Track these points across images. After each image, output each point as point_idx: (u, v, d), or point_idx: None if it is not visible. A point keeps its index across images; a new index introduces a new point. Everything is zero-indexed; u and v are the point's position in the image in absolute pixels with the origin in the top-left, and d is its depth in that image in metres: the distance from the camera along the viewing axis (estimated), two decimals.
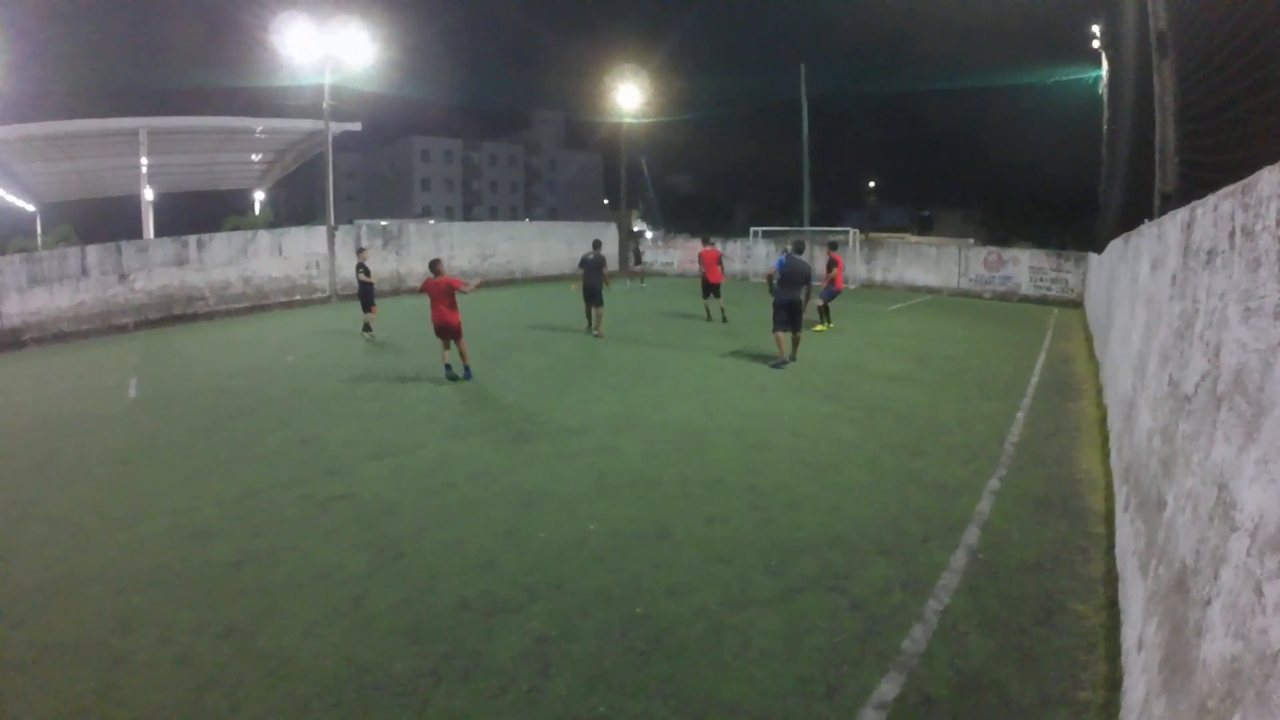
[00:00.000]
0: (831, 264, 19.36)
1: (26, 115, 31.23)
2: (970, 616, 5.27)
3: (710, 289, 20.90)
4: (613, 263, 38.65)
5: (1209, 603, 2.76)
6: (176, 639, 5.53)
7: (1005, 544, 6.47)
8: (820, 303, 18.93)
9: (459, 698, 4.69)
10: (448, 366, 13.93)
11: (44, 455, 10.29)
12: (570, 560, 6.49)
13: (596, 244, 19.24)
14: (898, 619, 5.29)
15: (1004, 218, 62.12)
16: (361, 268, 20.21)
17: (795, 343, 14.63)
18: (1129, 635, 4.37)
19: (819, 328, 18.55)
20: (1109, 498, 7.31)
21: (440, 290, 13.74)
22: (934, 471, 8.28)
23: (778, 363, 14.25)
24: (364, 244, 23.29)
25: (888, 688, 4.53)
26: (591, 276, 18.35)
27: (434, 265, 14.38)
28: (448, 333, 13.80)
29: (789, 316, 14.16)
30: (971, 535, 6.62)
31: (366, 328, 19.63)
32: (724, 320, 20.82)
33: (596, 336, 18.51)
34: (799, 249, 14.34)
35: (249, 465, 9.50)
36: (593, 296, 18.51)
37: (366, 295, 20.18)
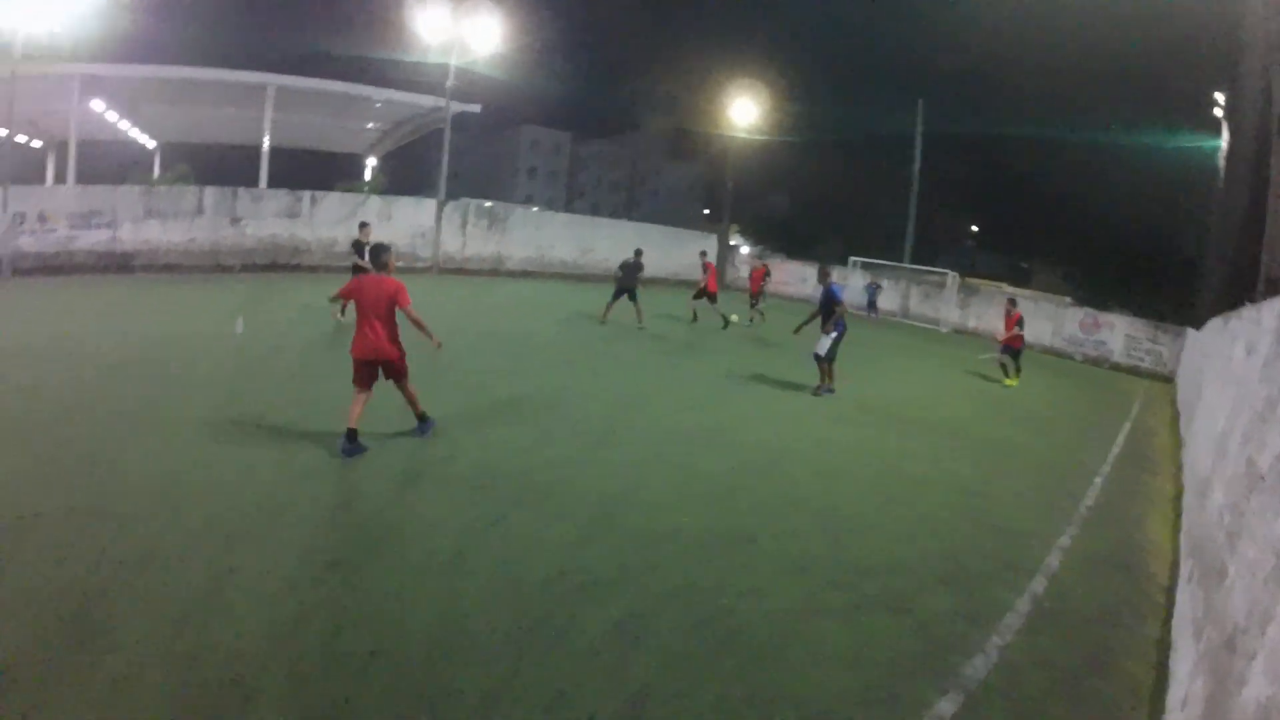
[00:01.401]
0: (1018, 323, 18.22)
1: (157, 59, 32.54)
2: (1028, 655, 5.40)
3: (708, 295, 22.77)
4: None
5: (1254, 657, 2.85)
6: (282, 563, 5.80)
7: (1068, 596, 6.60)
8: (998, 358, 18.38)
9: (549, 659, 4.86)
10: (350, 439, 8.30)
11: (157, 374, 10.77)
12: (660, 550, 6.66)
13: (638, 252, 21.47)
14: (959, 646, 5.45)
15: (1103, 279, 60.59)
16: (359, 246, 16.64)
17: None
18: (1175, 695, 4.53)
19: (1009, 381, 17.98)
20: (1173, 569, 7.44)
21: (377, 298, 8.40)
22: (1005, 518, 8.36)
23: (826, 389, 14.00)
24: (369, 220, 21.16)
25: (945, 706, 4.68)
26: (628, 278, 20.60)
27: (378, 254, 8.78)
28: (373, 371, 8.53)
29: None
30: (1038, 584, 6.74)
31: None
32: (724, 326, 22.62)
33: (640, 328, 20.27)
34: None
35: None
36: (628, 294, 20.55)
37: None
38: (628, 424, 10.75)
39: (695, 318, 23.45)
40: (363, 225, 17.40)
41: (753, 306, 24.06)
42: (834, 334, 13.58)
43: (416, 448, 8.82)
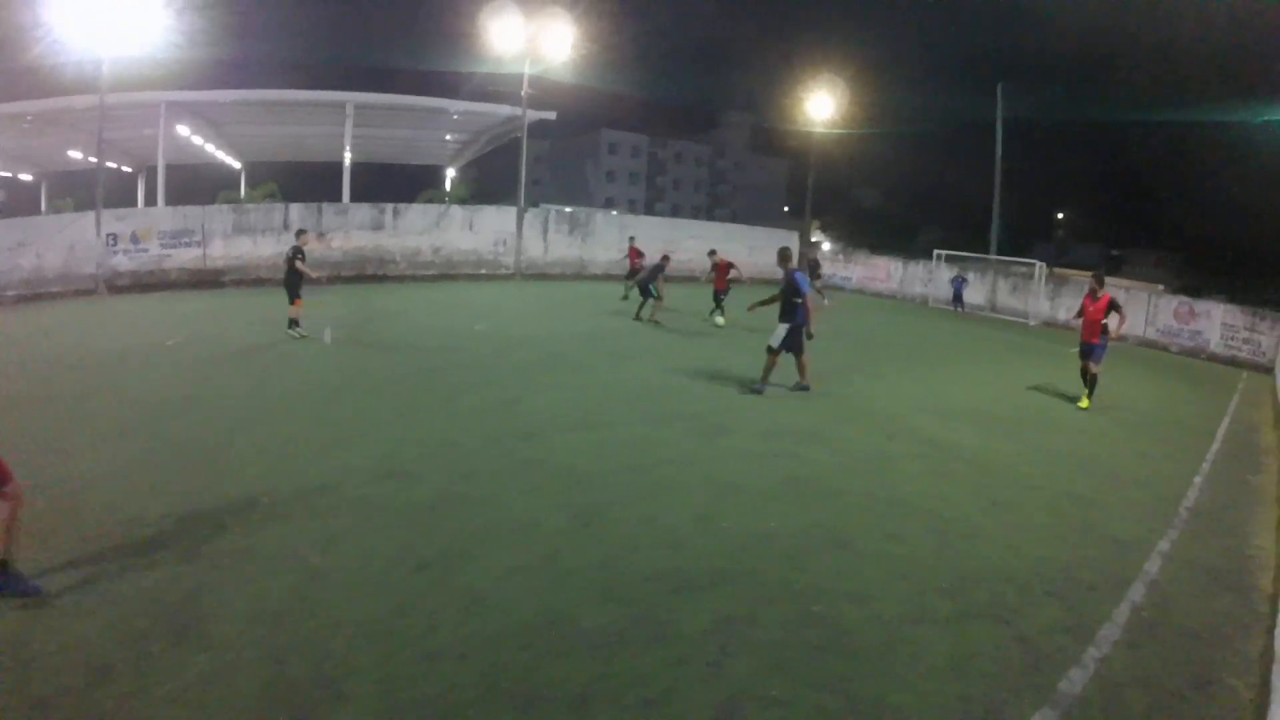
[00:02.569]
0: (1115, 305, 13.75)
1: (239, 82, 33.75)
2: (1128, 670, 5.11)
3: (715, 293, 22.63)
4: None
5: None
6: (373, 564, 5.84)
7: (1169, 607, 6.19)
8: (1093, 368, 13.60)
9: (644, 660, 4.77)
10: None
11: (251, 385, 11.11)
12: (756, 552, 6.51)
13: (665, 257, 21.79)
14: (1059, 659, 5.18)
15: (1199, 267, 58.16)
16: (298, 253, 15.77)
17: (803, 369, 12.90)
18: (1276, 714, 4.32)
19: (1083, 403, 13.58)
20: (1278, 577, 6.95)
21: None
22: (1109, 524, 7.89)
23: (760, 386, 12.57)
24: (306, 226, 21.52)
25: None
26: (651, 274, 21.28)
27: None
28: None
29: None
30: (1137, 592, 6.36)
31: (293, 324, 15.58)
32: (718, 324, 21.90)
33: (651, 322, 20.61)
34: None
35: (447, 419, 10.01)
36: (645, 291, 21.22)
37: (294, 285, 15.75)
38: (732, 419, 10.66)
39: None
40: (300, 232, 16.79)
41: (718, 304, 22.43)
42: (787, 325, 12.40)
43: (513, 449, 8.85)
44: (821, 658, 4.94)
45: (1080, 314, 13.81)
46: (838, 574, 6.20)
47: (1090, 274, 14.41)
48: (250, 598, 5.20)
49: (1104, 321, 13.45)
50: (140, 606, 4.97)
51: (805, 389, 12.76)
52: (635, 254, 26.09)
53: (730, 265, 21.79)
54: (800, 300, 12.28)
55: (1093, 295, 13.58)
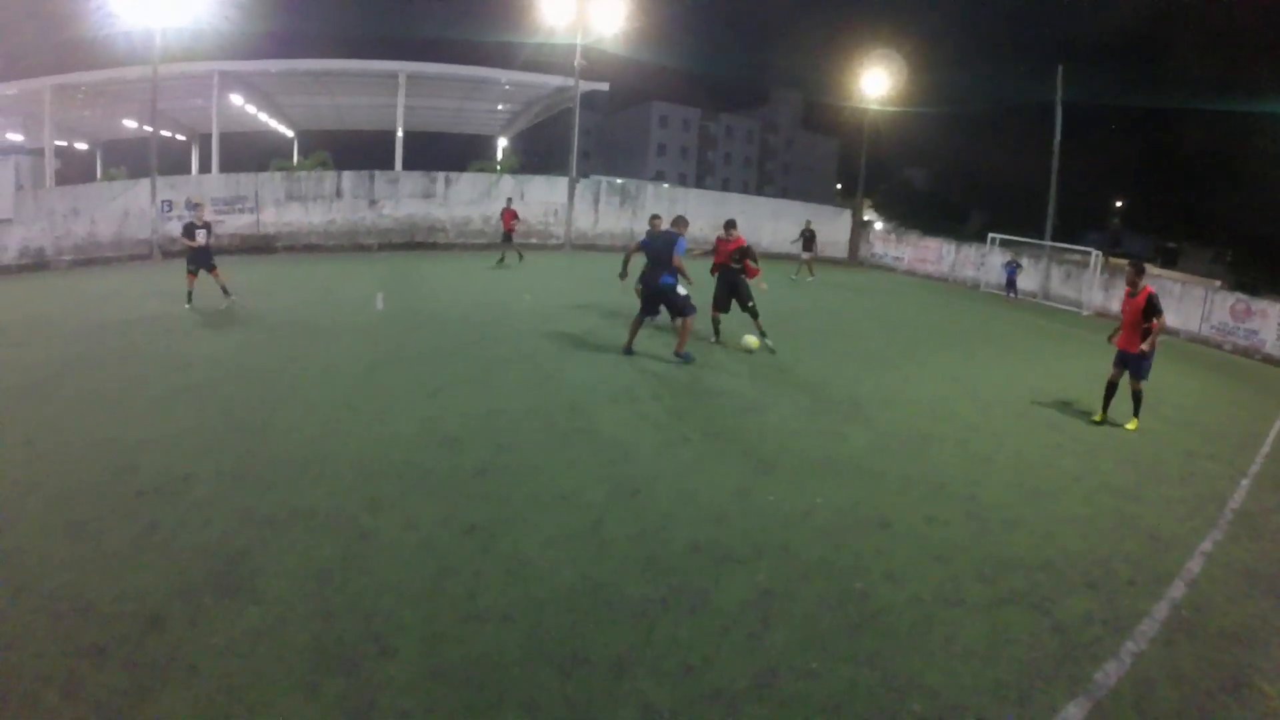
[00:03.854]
0: (1152, 308, 10.87)
1: (291, 53, 34.03)
2: (1162, 667, 5.05)
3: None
4: (841, 250, 38.23)
5: None
6: (421, 527, 5.97)
7: (1208, 607, 6.06)
8: (1138, 384, 11.23)
9: (684, 629, 4.85)
10: None
11: (300, 351, 11.30)
12: (796, 529, 6.54)
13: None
14: (1094, 651, 5.13)
15: (1258, 264, 56.48)
16: (196, 227, 14.87)
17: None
18: None
19: (1131, 425, 11.24)
20: None
21: None
22: (1149, 520, 7.71)
23: (687, 356, 12.12)
24: (200, 199, 19.85)
25: (1074, 711, 4.46)
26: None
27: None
28: None
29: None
30: (1177, 590, 6.23)
31: (224, 291, 14.97)
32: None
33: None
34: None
35: (493, 389, 10.14)
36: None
37: (199, 259, 14.95)
38: (773, 395, 10.68)
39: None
40: (196, 205, 16.69)
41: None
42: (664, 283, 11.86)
43: (557, 420, 8.95)
44: (857, 634, 4.98)
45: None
46: (876, 553, 6.22)
47: (1128, 263, 12.38)
48: (301, 556, 5.36)
49: (1145, 326, 10.87)
50: (194, 561, 5.15)
51: (684, 359, 12.07)
52: (511, 215, 24.15)
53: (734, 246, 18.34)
54: (676, 259, 11.78)
55: (1130, 289, 11.11)
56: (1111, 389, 11.30)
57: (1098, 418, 11.43)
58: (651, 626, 4.82)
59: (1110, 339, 11.48)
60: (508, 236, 24.13)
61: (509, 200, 25.10)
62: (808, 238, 28.08)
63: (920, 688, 4.47)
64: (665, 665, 4.44)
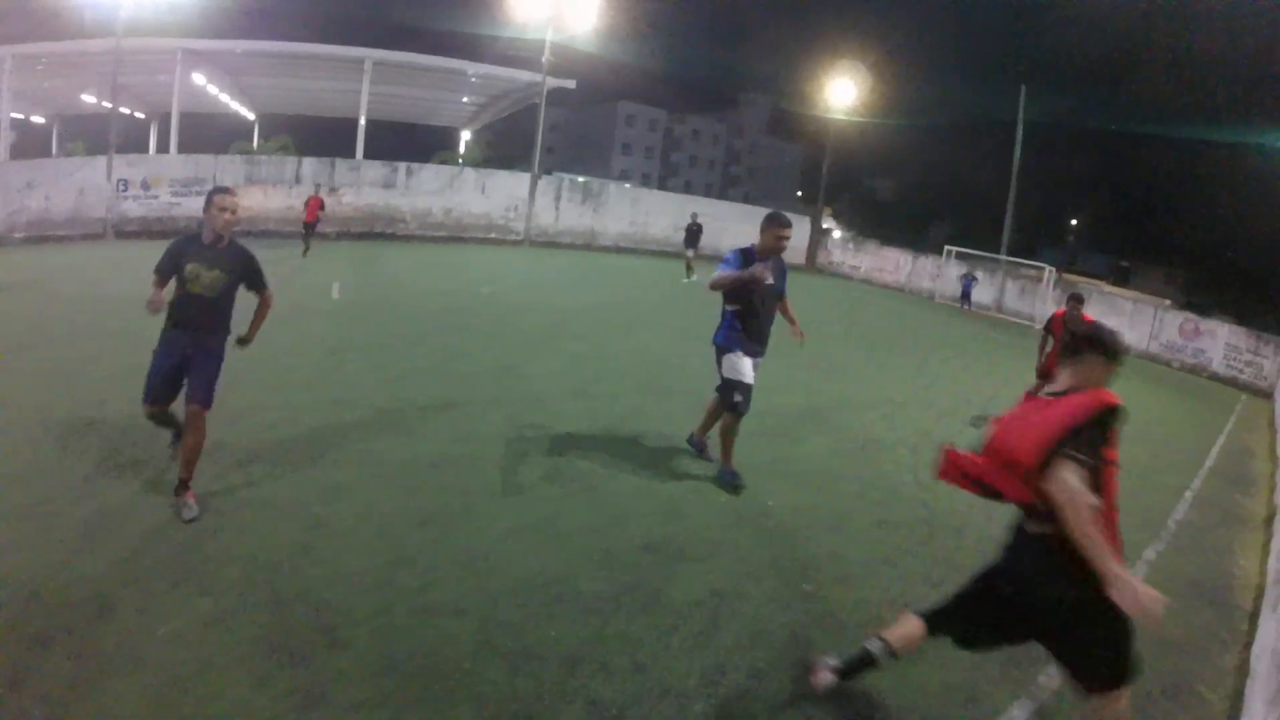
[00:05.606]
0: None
1: (257, 33, 33.68)
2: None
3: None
4: (799, 256, 38.42)
5: None
6: (376, 517, 5.95)
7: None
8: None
9: (635, 625, 4.89)
10: None
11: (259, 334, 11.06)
12: (749, 529, 6.61)
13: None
14: (1040, 654, 5.15)
15: (1207, 286, 57.77)
16: None
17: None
18: None
19: None
20: (1259, 595, 7.04)
21: None
22: None
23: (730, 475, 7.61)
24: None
25: (1018, 712, 4.60)
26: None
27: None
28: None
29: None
30: None
31: None
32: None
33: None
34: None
35: (452, 379, 10.16)
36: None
37: None
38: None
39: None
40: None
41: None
42: None
43: (516, 412, 8.96)
44: (805, 634, 5.04)
45: (1046, 344, 11.12)
46: (828, 556, 6.30)
47: (1069, 294, 11.51)
48: (253, 545, 5.30)
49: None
50: (145, 548, 5.07)
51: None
52: (317, 205, 22.50)
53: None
54: None
55: (1070, 324, 10.42)
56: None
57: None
58: (604, 622, 4.85)
59: (1039, 373, 10.97)
60: (310, 227, 22.19)
61: (316, 187, 24.28)
62: (693, 233, 25.64)
63: (868, 690, 4.52)
64: (616, 661, 4.46)
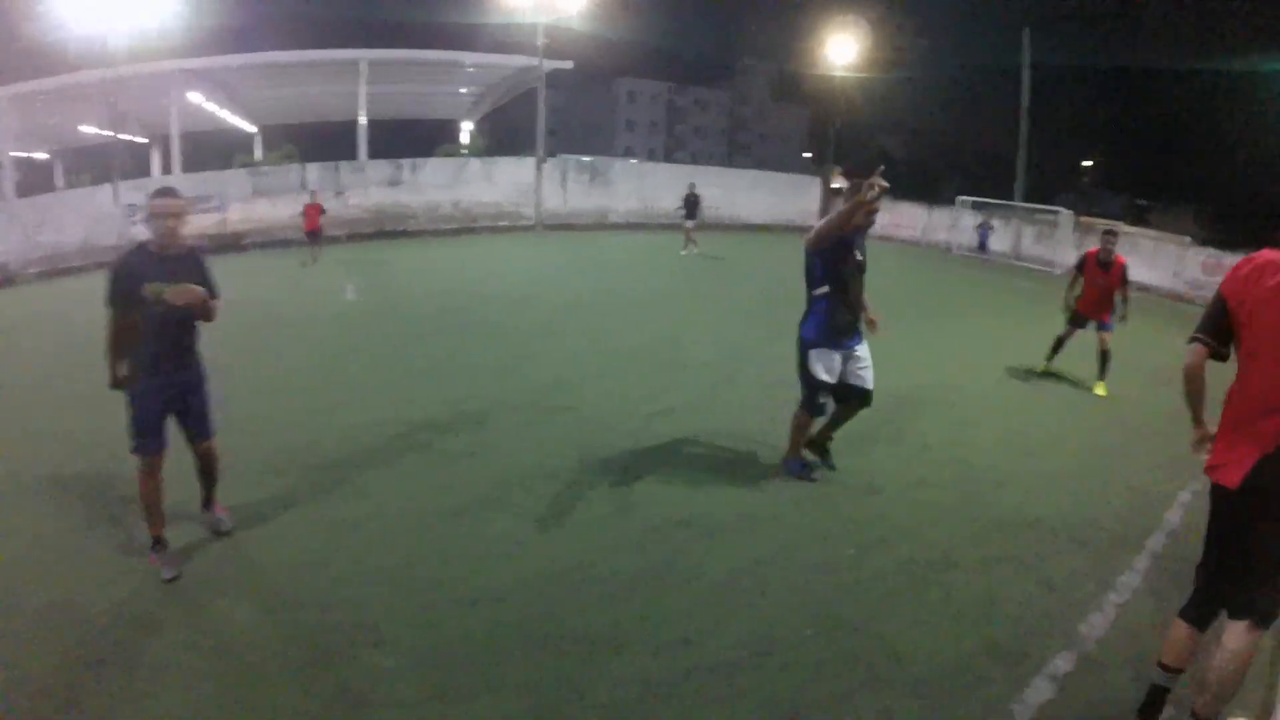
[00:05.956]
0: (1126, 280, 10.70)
1: (249, 46, 33.64)
2: (1147, 615, 5.10)
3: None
4: (814, 219, 38.04)
5: None
6: (409, 512, 5.99)
7: (1189, 555, 6.03)
8: (1106, 339, 10.78)
9: (678, 601, 4.88)
10: None
11: (274, 344, 11.29)
12: (786, 497, 6.57)
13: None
14: (1080, 605, 5.19)
15: (1226, 218, 56.80)
16: None
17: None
18: None
19: (1100, 390, 10.84)
20: None
21: None
22: (1131, 475, 7.77)
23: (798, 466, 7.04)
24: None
25: (1061, 663, 4.50)
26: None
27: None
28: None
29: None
30: (1157, 541, 6.33)
31: None
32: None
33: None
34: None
35: (470, 371, 10.18)
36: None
37: None
38: (741, 370, 10.71)
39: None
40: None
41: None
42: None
43: (538, 397, 9.01)
44: (851, 599, 5.01)
45: (1077, 283, 10.91)
46: (868, 519, 6.26)
47: (1104, 227, 11.73)
48: (291, 547, 5.34)
49: (1116, 297, 10.65)
50: (184, 562, 5.09)
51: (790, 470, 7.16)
52: (316, 211, 20.82)
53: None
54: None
55: (1102, 260, 10.56)
56: (1060, 344, 11.24)
57: (1041, 368, 11.50)
58: (646, 600, 4.85)
59: (1068, 314, 11.08)
60: (313, 235, 20.71)
61: (312, 194, 21.86)
62: (691, 203, 24.56)
63: (917, 651, 4.50)
64: (662, 638, 4.45)
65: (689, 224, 24.50)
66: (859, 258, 6.46)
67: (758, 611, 4.79)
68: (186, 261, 5.15)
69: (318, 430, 7.71)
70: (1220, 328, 3.84)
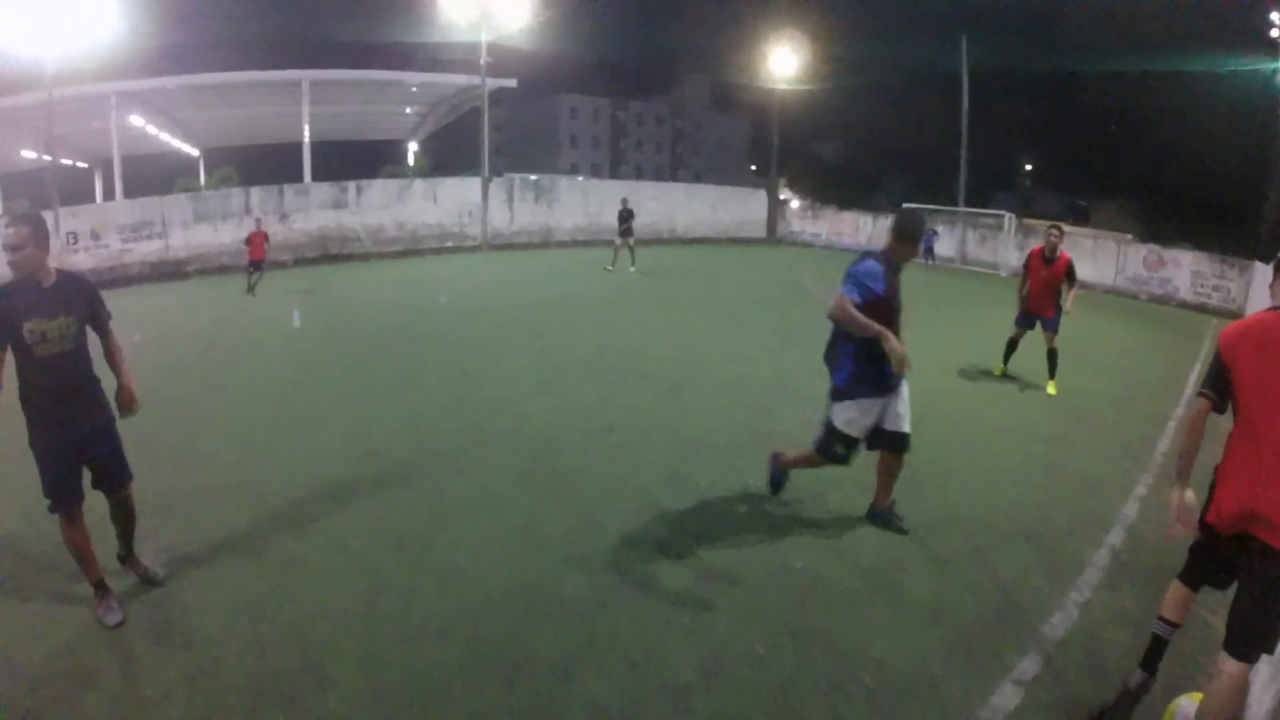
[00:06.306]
0: (1071, 274, 11.11)
1: (189, 67, 33.26)
2: (1107, 611, 5.18)
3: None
4: (760, 229, 38.44)
5: None
6: (350, 545, 5.85)
7: (1145, 548, 6.19)
8: (1052, 340, 11.03)
9: (625, 624, 4.83)
10: None
11: (216, 373, 11.04)
12: (730, 510, 6.59)
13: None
14: (1039, 603, 5.24)
15: (1164, 214, 58.24)
16: None
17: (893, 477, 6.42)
18: None
19: (1050, 389, 11.01)
20: None
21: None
22: (1081, 467, 7.96)
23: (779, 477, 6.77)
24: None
25: (1026, 666, 4.53)
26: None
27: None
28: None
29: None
30: (1115, 536, 6.40)
31: None
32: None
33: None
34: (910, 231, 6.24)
35: (415, 394, 10.06)
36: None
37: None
38: (695, 374, 10.74)
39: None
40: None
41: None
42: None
43: (480, 419, 8.90)
44: (801, 611, 5.01)
45: (1026, 281, 11.25)
46: (814, 526, 6.27)
47: (1048, 225, 12.17)
48: (229, 589, 5.20)
49: (1060, 288, 11.00)
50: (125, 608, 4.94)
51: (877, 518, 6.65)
52: (261, 239, 19.87)
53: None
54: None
55: (1046, 255, 10.97)
56: (1013, 345, 11.49)
57: (998, 371, 11.74)
58: (592, 624, 4.80)
59: (1022, 298, 11.30)
60: (258, 264, 19.60)
61: (257, 221, 21.04)
62: (624, 218, 23.81)
63: (869, 659, 4.51)
64: (609, 663, 4.42)
65: (618, 241, 23.90)
66: (896, 300, 5.87)
67: (707, 629, 4.77)
68: (65, 288, 4.67)
69: (255, 464, 7.56)
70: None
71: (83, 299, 4.76)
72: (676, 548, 5.84)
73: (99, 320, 4.89)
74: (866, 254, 5.91)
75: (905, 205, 31.91)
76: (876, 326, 5.41)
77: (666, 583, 5.32)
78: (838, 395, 5.97)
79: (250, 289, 19.23)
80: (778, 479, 6.69)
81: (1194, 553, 4.13)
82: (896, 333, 5.63)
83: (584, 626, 4.79)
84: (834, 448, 6.03)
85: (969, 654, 4.60)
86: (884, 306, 5.64)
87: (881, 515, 6.35)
